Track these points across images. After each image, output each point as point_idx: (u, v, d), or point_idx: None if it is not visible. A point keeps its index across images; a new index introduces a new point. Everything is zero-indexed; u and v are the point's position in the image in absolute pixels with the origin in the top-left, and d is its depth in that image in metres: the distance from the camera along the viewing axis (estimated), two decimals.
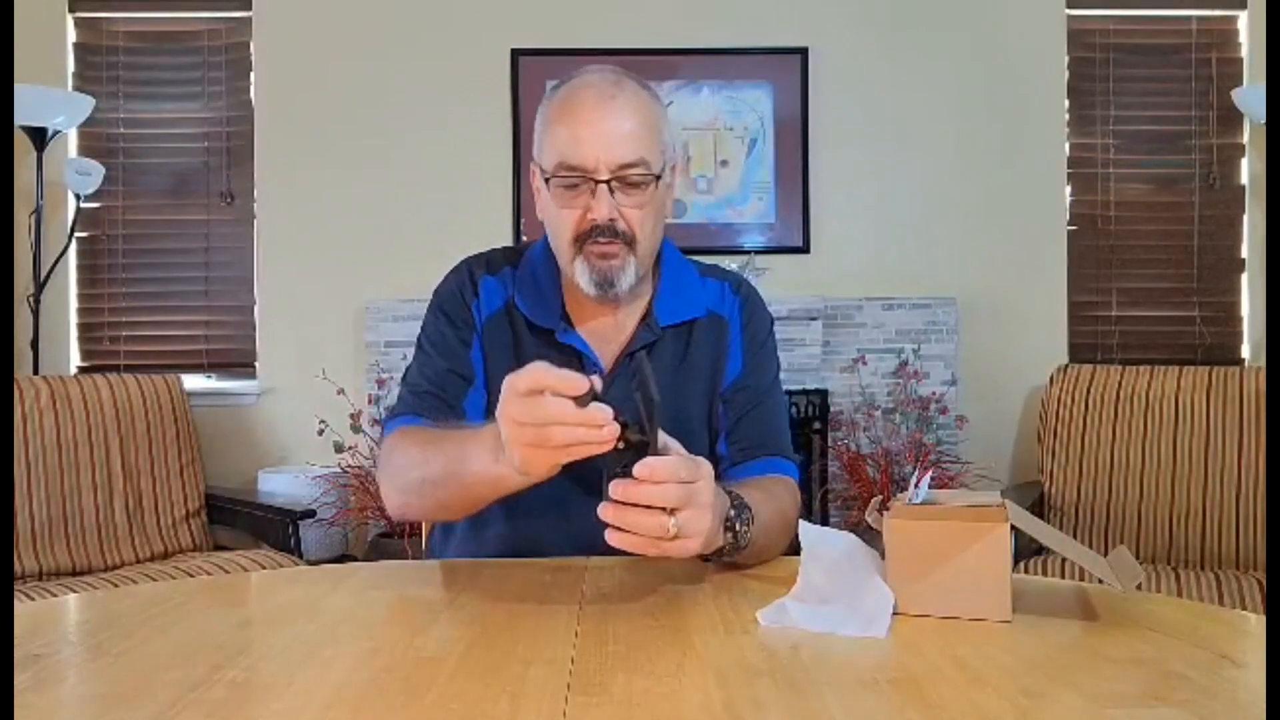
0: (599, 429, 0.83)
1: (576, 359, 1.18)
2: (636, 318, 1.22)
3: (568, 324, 1.20)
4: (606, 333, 1.21)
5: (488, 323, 1.22)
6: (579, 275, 1.13)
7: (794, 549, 0.92)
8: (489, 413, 1.20)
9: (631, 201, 1.12)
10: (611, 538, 0.85)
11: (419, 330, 1.26)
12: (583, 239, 1.12)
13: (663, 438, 0.88)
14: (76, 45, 3.36)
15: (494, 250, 1.30)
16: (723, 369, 1.23)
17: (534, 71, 3.31)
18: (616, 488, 0.83)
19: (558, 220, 1.14)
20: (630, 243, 1.12)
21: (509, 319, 1.22)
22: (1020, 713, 0.61)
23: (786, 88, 3.34)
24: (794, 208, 3.35)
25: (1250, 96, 3.16)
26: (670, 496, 0.84)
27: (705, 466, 0.89)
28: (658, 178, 1.13)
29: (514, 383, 0.86)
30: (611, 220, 1.11)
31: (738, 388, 1.23)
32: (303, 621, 0.84)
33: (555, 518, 1.14)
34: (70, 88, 3.29)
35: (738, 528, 0.97)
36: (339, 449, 3.09)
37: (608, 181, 1.10)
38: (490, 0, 3.34)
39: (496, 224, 3.31)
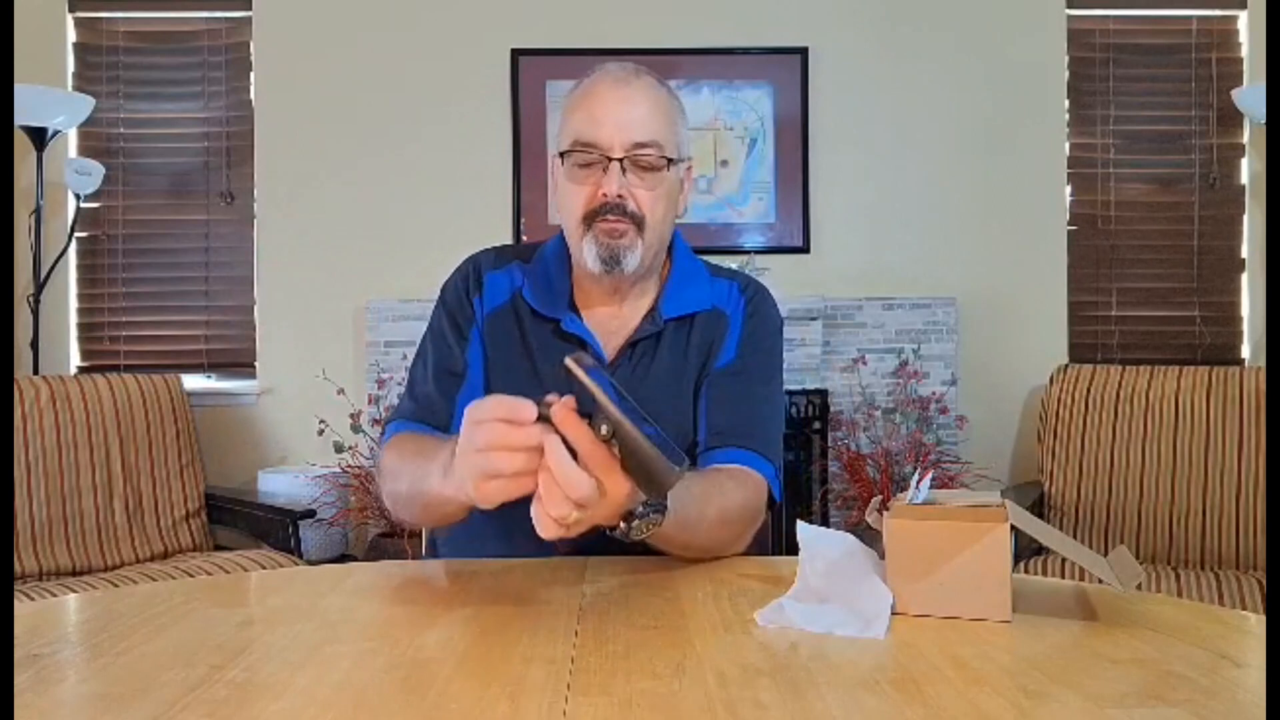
0: (535, 453, 0.78)
1: (581, 347, 1.20)
2: (643, 311, 1.23)
3: (574, 313, 1.21)
4: (611, 324, 1.23)
5: (490, 317, 1.24)
6: (586, 253, 1.15)
7: (794, 549, 0.91)
8: None
9: (643, 183, 1.14)
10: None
11: (427, 325, 1.28)
12: (592, 216, 1.13)
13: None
14: (76, 45, 3.36)
15: (507, 245, 1.33)
16: (716, 355, 1.23)
17: (534, 71, 3.31)
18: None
19: (569, 198, 1.16)
20: (639, 224, 1.14)
21: (514, 312, 1.24)
22: (1020, 713, 0.61)
23: (786, 88, 3.34)
24: (794, 208, 3.35)
25: (1250, 96, 3.16)
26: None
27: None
28: (670, 162, 1.15)
29: (469, 411, 0.84)
30: (621, 198, 1.13)
31: (726, 373, 1.21)
32: (303, 621, 0.84)
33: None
34: (70, 88, 3.29)
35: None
36: (339, 449, 3.09)
37: (620, 160, 1.12)
38: (490, 0, 3.35)
39: (496, 224, 3.31)
